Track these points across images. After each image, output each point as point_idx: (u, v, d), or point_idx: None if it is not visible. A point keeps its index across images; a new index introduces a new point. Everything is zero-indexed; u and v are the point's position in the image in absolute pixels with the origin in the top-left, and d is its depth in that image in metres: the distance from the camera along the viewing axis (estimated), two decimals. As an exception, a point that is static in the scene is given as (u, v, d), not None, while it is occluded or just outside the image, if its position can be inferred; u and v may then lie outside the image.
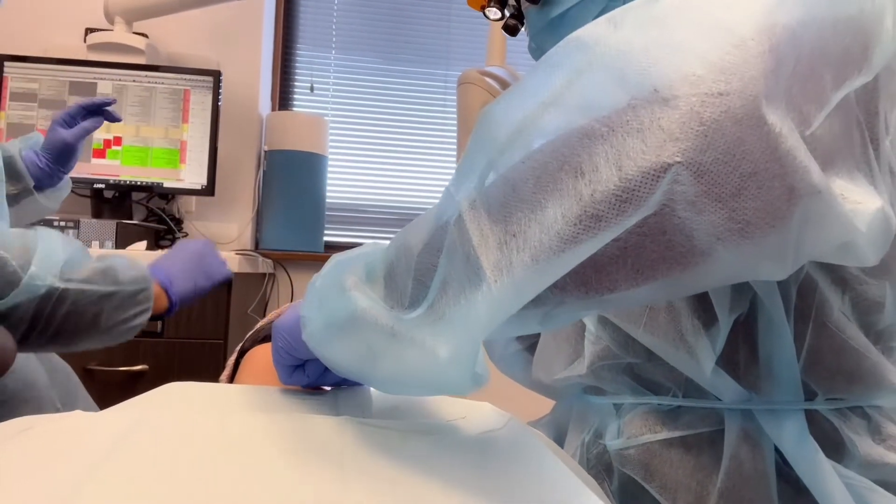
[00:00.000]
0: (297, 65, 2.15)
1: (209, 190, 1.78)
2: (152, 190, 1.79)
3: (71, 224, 1.55)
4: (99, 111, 1.04)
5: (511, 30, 0.68)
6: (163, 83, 1.77)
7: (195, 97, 1.78)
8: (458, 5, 2.17)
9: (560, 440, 0.64)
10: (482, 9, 0.68)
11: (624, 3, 0.55)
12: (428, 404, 0.47)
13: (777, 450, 0.50)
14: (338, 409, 0.45)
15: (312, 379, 0.47)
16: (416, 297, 0.34)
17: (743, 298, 0.49)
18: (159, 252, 1.61)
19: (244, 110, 1.97)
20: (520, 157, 0.31)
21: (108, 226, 1.57)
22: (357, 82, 2.15)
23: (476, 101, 1.26)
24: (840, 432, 0.50)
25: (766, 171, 0.28)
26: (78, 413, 0.40)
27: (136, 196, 1.83)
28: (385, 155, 2.15)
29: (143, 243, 1.59)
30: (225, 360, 1.12)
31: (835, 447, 0.49)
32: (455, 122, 1.39)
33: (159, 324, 1.47)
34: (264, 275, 1.92)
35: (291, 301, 1.91)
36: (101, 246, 1.55)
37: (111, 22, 1.76)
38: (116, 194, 1.77)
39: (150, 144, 1.77)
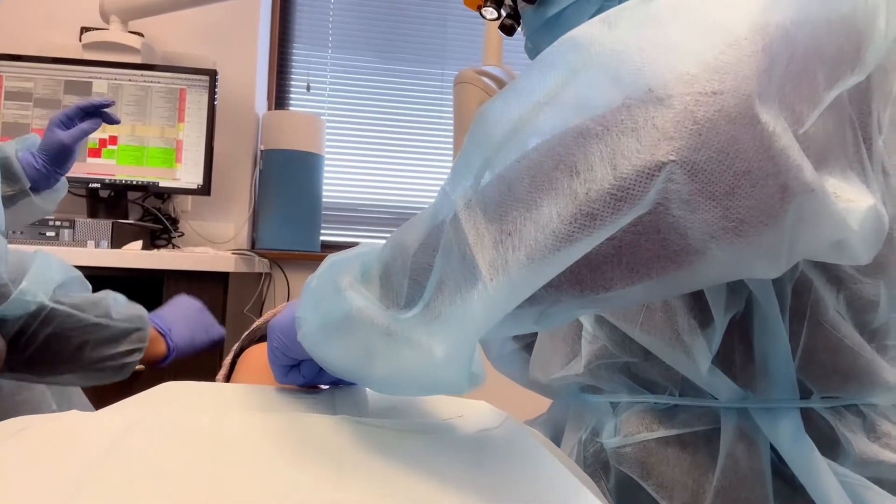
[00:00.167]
0: (293, 64, 2.14)
1: (205, 189, 1.78)
2: (148, 189, 1.78)
3: (66, 224, 1.55)
4: (97, 112, 1.03)
5: (507, 29, 0.68)
6: (158, 82, 1.76)
7: (191, 96, 1.77)
8: (454, 5, 2.17)
9: (557, 439, 0.64)
10: (479, 8, 0.69)
11: (619, 2, 0.56)
12: (424, 403, 0.48)
13: (773, 448, 0.50)
14: (335, 408, 0.45)
15: (308, 378, 0.47)
16: (412, 297, 0.35)
17: (738, 297, 0.49)
18: (155, 251, 1.61)
19: (240, 109, 1.96)
20: (515, 156, 0.31)
21: (104, 225, 1.57)
22: (353, 81, 2.15)
23: (472, 101, 1.27)
24: (835, 430, 0.50)
25: (760, 170, 0.28)
26: (75, 413, 0.40)
27: (131, 195, 1.83)
28: (381, 154, 2.15)
29: (139, 243, 1.59)
30: (221, 359, 1.12)
31: (830, 445, 0.50)
32: (451, 121, 1.39)
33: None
34: (260, 274, 1.91)
35: (288, 300, 1.90)
36: (97, 245, 1.55)
37: (107, 21, 1.75)
38: (112, 194, 1.77)
39: (145, 144, 1.76)
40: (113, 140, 1.75)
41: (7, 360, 0.72)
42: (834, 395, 0.51)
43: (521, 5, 0.63)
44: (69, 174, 1.03)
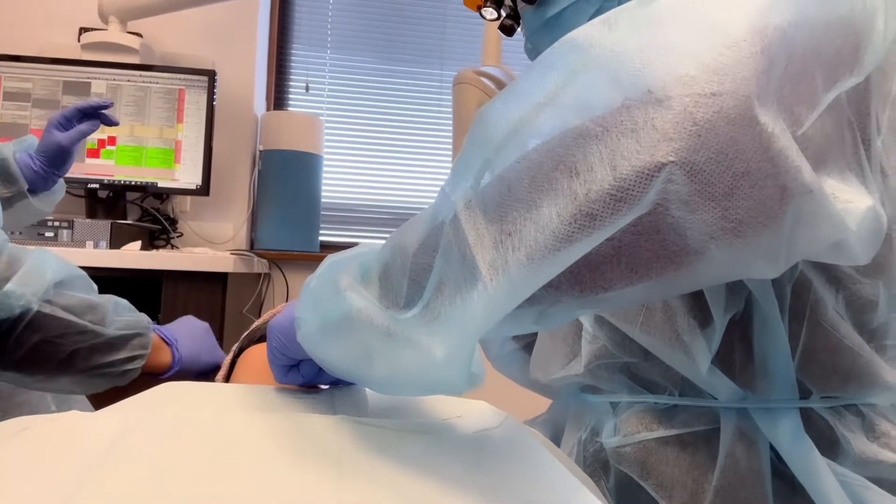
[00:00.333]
0: (292, 64, 2.14)
1: (204, 190, 1.78)
2: (147, 190, 1.78)
3: (65, 224, 1.55)
4: (95, 114, 1.03)
5: (507, 30, 0.68)
6: (157, 83, 1.76)
7: (190, 97, 1.77)
8: (453, 5, 2.17)
9: (557, 439, 0.64)
10: (479, 9, 0.69)
11: (619, 3, 0.56)
12: (424, 403, 0.48)
13: (772, 448, 0.50)
14: (335, 408, 0.45)
15: (307, 378, 0.47)
16: (412, 298, 0.35)
17: (738, 298, 0.49)
18: (154, 252, 1.61)
19: (239, 110, 1.96)
20: (515, 157, 0.31)
21: (103, 226, 1.57)
22: (352, 82, 2.15)
23: (472, 101, 1.27)
24: (835, 430, 0.50)
25: (759, 171, 0.29)
26: (75, 413, 0.40)
27: (130, 196, 1.83)
28: (380, 155, 2.15)
29: (138, 243, 1.59)
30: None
31: (829, 445, 0.50)
32: (450, 121, 1.39)
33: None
34: (259, 275, 1.91)
35: (286, 301, 1.90)
36: (96, 246, 1.55)
37: (105, 21, 1.75)
38: (111, 194, 1.76)
39: (144, 144, 1.76)
40: (112, 140, 1.75)
41: None
42: (833, 395, 0.51)
43: (520, 6, 0.63)
44: (68, 175, 1.02)
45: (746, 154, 0.28)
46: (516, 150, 0.32)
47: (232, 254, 1.64)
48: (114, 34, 1.74)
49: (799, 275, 0.48)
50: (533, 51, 0.64)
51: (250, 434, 0.38)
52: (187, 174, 1.77)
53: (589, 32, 0.32)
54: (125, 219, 1.76)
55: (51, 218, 1.52)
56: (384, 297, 0.36)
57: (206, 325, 0.89)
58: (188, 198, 1.90)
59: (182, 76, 1.77)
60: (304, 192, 1.89)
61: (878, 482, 0.49)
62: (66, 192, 1.07)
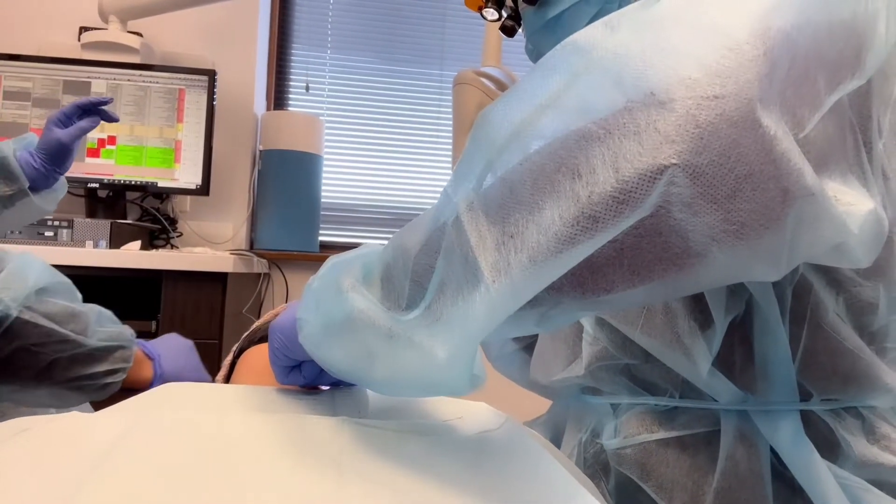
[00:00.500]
0: (292, 64, 2.14)
1: (204, 189, 1.78)
2: (146, 189, 1.78)
3: (65, 223, 1.55)
4: (95, 110, 1.03)
5: (508, 31, 0.68)
6: (157, 82, 1.76)
7: (190, 96, 1.77)
8: (453, 5, 2.17)
9: (557, 440, 0.64)
10: (479, 9, 0.69)
11: (620, 4, 0.56)
12: (424, 404, 0.48)
13: (772, 450, 0.50)
14: (335, 409, 0.45)
15: (309, 379, 0.47)
16: (414, 299, 0.35)
17: (738, 300, 0.49)
18: (154, 252, 1.61)
19: (239, 110, 1.96)
20: (517, 159, 0.31)
21: (102, 225, 1.57)
22: (352, 82, 2.15)
23: (472, 102, 1.27)
24: (835, 433, 0.50)
25: (761, 174, 0.29)
26: (75, 414, 0.39)
27: (130, 196, 1.83)
28: (380, 155, 2.15)
29: (138, 243, 1.59)
30: (220, 360, 1.12)
31: (830, 447, 0.50)
32: (450, 122, 1.39)
33: (153, 324, 1.47)
34: (259, 275, 1.91)
35: (286, 301, 1.90)
36: (96, 246, 1.54)
37: (105, 21, 1.75)
38: (110, 194, 1.76)
39: (144, 144, 1.76)
40: (111, 140, 1.75)
41: None
42: (834, 398, 0.51)
43: (521, 6, 0.63)
44: (67, 174, 1.02)
45: (749, 156, 0.28)
46: (519, 152, 0.32)
47: (232, 254, 1.64)
48: (114, 33, 1.74)
49: (799, 277, 0.48)
50: (534, 52, 0.64)
51: (250, 435, 0.38)
52: (187, 174, 1.77)
53: (591, 35, 0.32)
54: (125, 218, 1.76)
55: (50, 217, 1.52)
56: (386, 298, 0.37)
57: (190, 342, 0.87)
58: (188, 197, 1.90)
59: (182, 76, 1.77)
60: (303, 192, 1.89)
61: (879, 485, 0.49)
62: (66, 191, 1.07)
